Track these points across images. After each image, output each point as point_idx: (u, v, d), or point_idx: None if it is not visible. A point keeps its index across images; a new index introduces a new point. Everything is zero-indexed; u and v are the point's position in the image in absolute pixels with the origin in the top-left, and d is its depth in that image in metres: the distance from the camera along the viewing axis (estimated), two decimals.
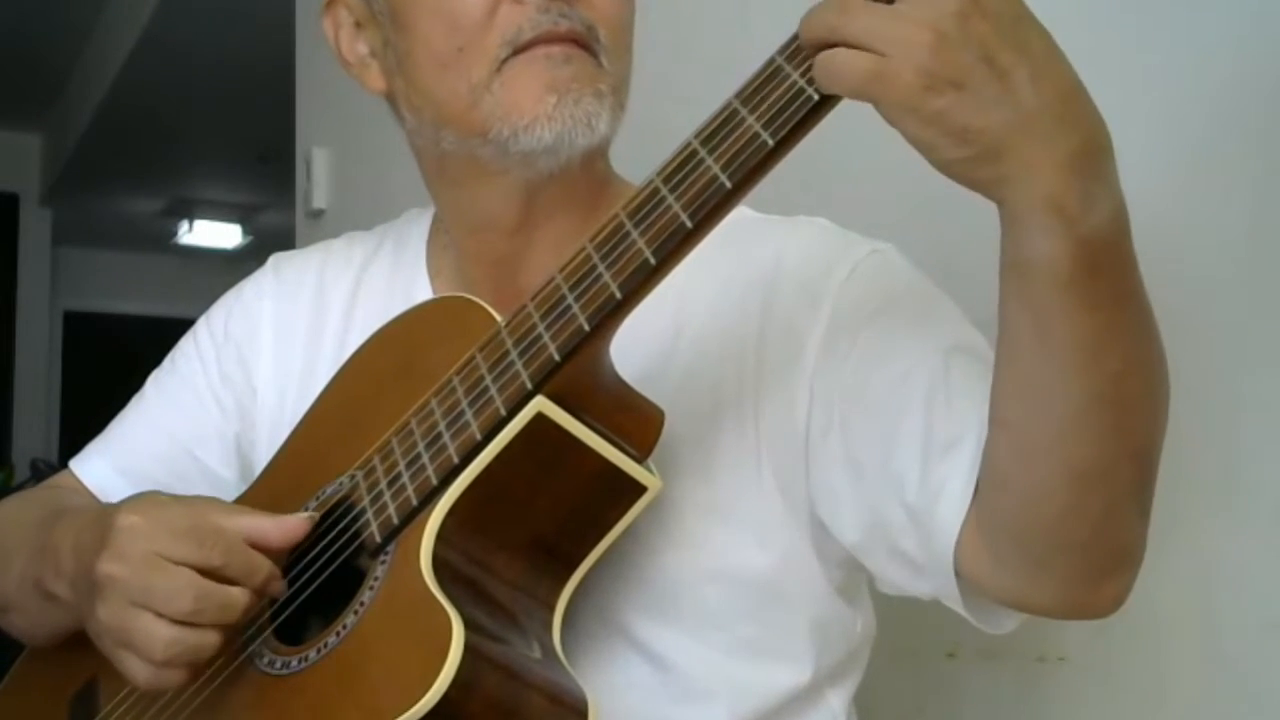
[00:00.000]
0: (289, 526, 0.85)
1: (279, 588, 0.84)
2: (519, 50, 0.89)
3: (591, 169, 0.95)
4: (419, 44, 0.92)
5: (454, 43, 0.90)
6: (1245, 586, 1.04)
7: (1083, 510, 0.75)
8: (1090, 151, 0.66)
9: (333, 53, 1.00)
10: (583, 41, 0.90)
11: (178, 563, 0.80)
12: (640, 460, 0.82)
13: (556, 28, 0.89)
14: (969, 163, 0.66)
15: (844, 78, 0.65)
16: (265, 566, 0.83)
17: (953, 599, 0.83)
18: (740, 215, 0.97)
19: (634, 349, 0.84)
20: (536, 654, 0.80)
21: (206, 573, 0.80)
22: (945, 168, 0.67)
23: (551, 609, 0.82)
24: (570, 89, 0.89)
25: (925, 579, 0.84)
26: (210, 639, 0.81)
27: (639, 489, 0.82)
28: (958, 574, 0.81)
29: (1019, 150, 0.65)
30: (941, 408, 0.82)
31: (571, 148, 0.89)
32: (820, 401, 0.87)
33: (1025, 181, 0.65)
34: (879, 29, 0.64)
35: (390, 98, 0.98)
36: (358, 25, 0.98)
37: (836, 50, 0.65)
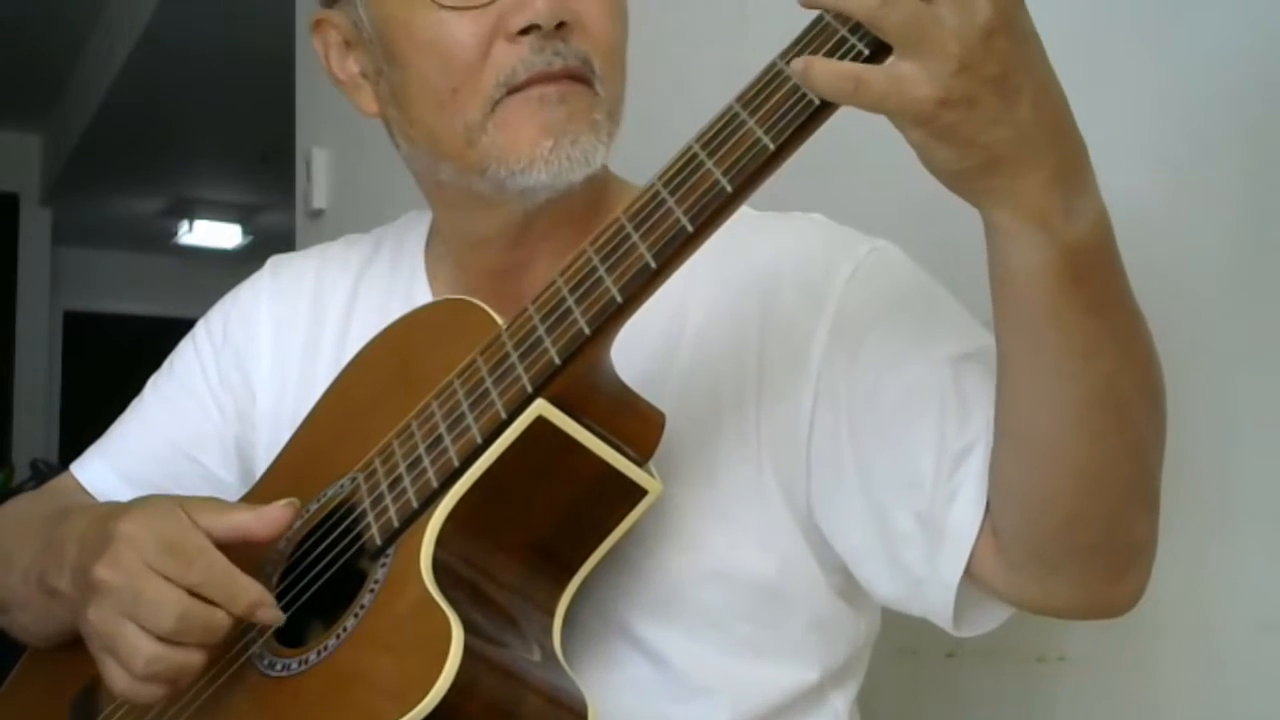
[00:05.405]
0: (270, 518, 0.84)
1: (269, 615, 0.81)
2: (513, 90, 0.88)
3: (589, 182, 0.94)
4: (413, 81, 0.91)
5: (449, 83, 0.89)
6: (1240, 587, 1.04)
7: (1090, 512, 0.76)
8: (1073, 166, 0.69)
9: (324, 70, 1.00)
10: (578, 75, 0.89)
11: (164, 577, 0.80)
12: (641, 463, 0.82)
13: (551, 68, 0.88)
14: (965, 173, 0.68)
15: (847, 93, 0.66)
16: (248, 593, 0.80)
17: (943, 619, 0.84)
18: (738, 213, 0.97)
19: (635, 352, 0.84)
20: (536, 657, 0.80)
21: (192, 591, 0.79)
22: (940, 174, 0.69)
23: (551, 613, 0.82)
24: (566, 131, 0.88)
25: (920, 594, 0.84)
26: (193, 659, 0.80)
27: (640, 492, 0.82)
28: (971, 578, 0.82)
29: (1012, 165, 0.67)
30: (954, 417, 0.82)
31: (570, 185, 0.89)
32: (825, 404, 0.87)
33: (1012, 194, 0.68)
34: (915, 29, 0.64)
35: (384, 121, 0.98)
36: (346, 44, 0.97)
37: (859, 67, 0.66)
